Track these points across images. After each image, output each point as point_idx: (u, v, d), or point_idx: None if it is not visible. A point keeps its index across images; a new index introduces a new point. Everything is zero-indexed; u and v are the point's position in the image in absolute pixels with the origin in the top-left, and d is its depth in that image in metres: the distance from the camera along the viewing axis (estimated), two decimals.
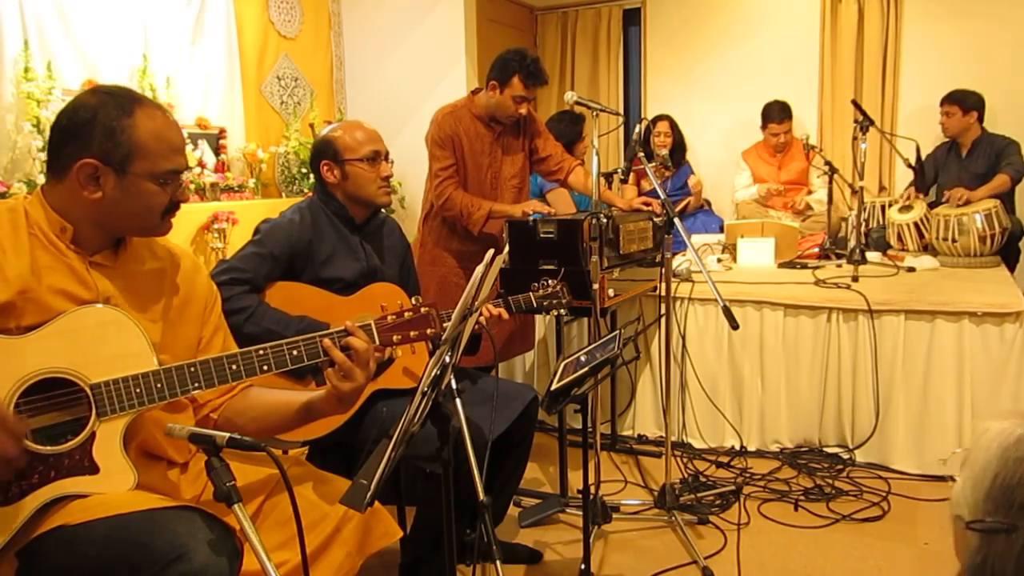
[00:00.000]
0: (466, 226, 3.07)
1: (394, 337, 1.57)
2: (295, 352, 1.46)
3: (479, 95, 3.15)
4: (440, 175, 3.05)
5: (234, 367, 1.42)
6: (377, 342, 1.54)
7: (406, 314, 1.58)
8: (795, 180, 4.81)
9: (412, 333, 1.58)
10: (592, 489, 2.46)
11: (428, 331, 1.59)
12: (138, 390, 1.34)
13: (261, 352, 1.44)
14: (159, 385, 1.36)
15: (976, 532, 0.83)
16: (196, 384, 1.39)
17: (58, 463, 1.30)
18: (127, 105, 1.37)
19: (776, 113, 4.82)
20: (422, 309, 1.59)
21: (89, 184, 1.36)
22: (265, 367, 1.44)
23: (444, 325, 1.55)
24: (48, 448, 1.29)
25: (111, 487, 1.32)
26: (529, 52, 3.04)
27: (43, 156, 2.98)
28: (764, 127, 4.90)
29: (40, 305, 1.31)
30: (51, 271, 1.35)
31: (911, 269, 3.71)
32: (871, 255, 3.93)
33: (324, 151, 2.20)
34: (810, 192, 4.82)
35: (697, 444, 3.42)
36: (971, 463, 0.86)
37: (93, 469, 1.32)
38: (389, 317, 1.57)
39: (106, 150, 1.35)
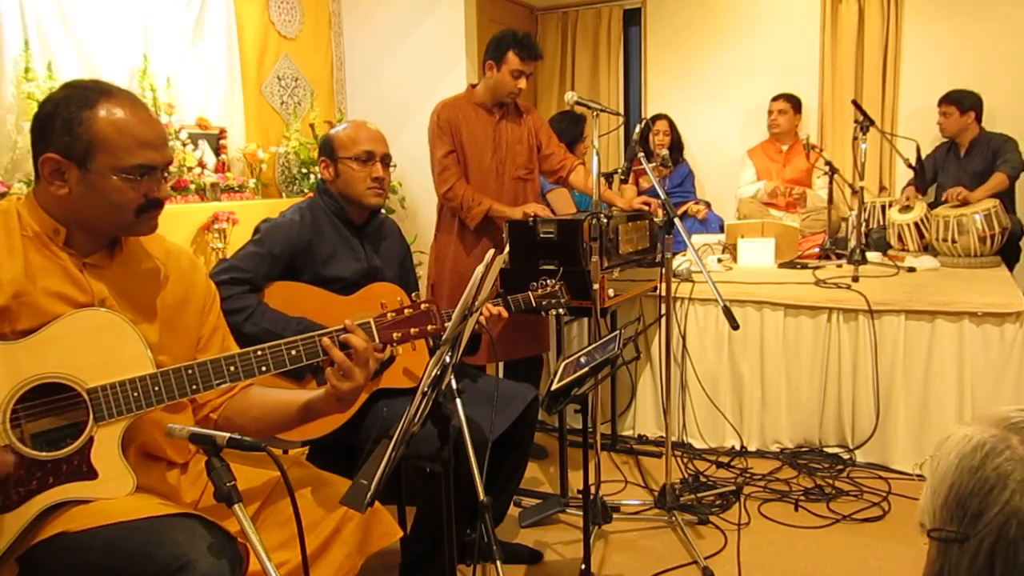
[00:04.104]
0: (463, 219, 3.10)
1: (394, 335, 1.54)
2: (294, 352, 1.45)
3: (478, 87, 3.20)
4: (442, 163, 3.09)
5: (232, 368, 1.41)
6: (377, 340, 1.52)
7: (406, 311, 1.55)
8: (798, 179, 4.80)
9: (412, 330, 1.56)
10: (592, 489, 2.47)
11: (428, 327, 1.57)
12: (135, 394, 1.33)
13: (260, 353, 1.43)
14: (156, 388, 1.35)
15: (934, 540, 0.83)
16: (194, 387, 1.38)
17: (56, 469, 1.29)
18: (91, 97, 1.33)
19: (783, 95, 4.87)
20: (422, 305, 1.57)
21: (55, 179, 1.33)
22: (264, 368, 1.43)
23: (445, 325, 1.54)
24: (46, 454, 1.28)
25: (110, 492, 1.32)
26: (519, 29, 3.11)
27: None
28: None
29: (35, 309, 1.30)
30: (45, 273, 1.33)
31: (911, 269, 3.71)
32: (871, 255, 3.93)
33: (324, 147, 2.22)
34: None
35: (697, 444, 3.42)
36: (933, 470, 0.85)
37: (92, 474, 1.31)
38: (389, 314, 1.54)
39: (66, 144, 1.32)
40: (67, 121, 1.31)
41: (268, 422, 1.57)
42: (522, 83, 3.09)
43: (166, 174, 1.42)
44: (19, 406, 1.27)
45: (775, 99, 4.88)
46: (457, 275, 3.13)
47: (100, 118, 1.32)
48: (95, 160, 1.32)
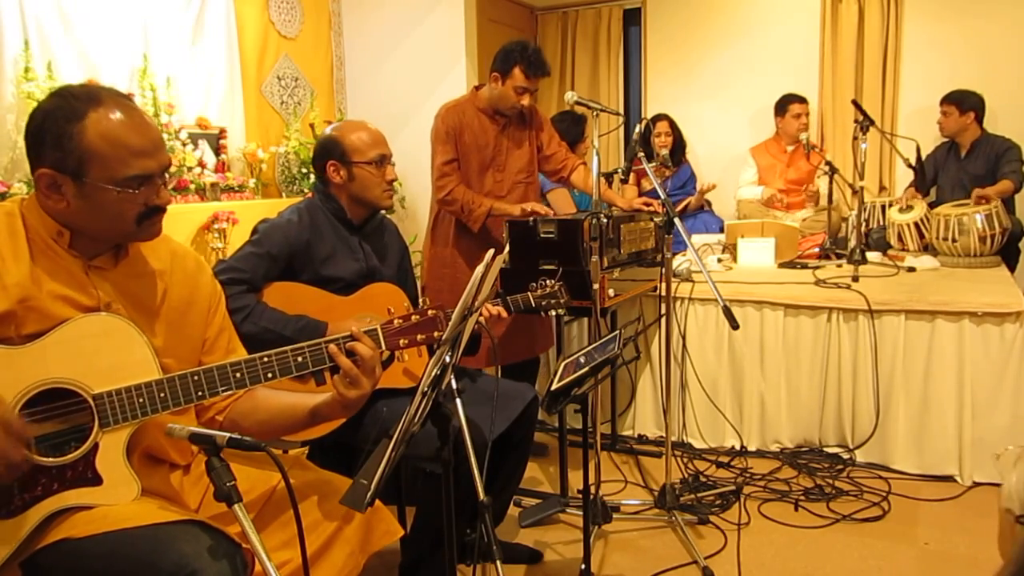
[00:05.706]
0: (466, 223, 3.08)
1: (400, 341, 1.54)
2: (300, 359, 1.44)
3: (482, 90, 3.17)
4: (442, 169, 3.07)
5: (239, 375, 1.40)
6: (383, 347, 1.52)
7: (413, 318, 1.55)
8: (800, 180, 4.79)
9: (419, 337, 1.56)
10: (592, 489, 2.46)
11: (435, 334, 1.57)
12: (141, 400, 1.33)
13: (266, 359, 1.42)
14: (162, 395, 1.34)
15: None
16: (200, 393, 1.37)
17: (61, 474, 1.29)
18: (80, 108, 1.29)
19: (796, 97, 4.79)
20: (429, 312, 1.57)
21: (52, 193, 1.31)
22: (270, 375, 1.43)
23: None
24: (51, 460, 1.28)
25: (114, 498, 1.31)
26: (530, 43, 3.08)
27: None
28: (784, 113, 4.80)
29: (41, 313, 1.29)
30: (51, 276, 1.32)
31: (911, 269, 3.71)
32: (871, 255, 3.93)
33: (331, 151, 2.18)
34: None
35: (697, 444, 3.42)
36: (1015, 462, 0.91)
37: (96, 480, 1.31)
38: (396, 321, 1.54)
39: (58, 158, 1.28)
40: (57, 136, 1.28)
41: (273, 426, 1.57)
42: (525, 99, 3.06)
43: (165, 177, 1.38)
44: (24, 411, 1.26)
45: (800, 102, 4.76)
46: (459, 285, 3.13)
47: (90, 130, 1.28)
48: (89, 174, 1.29)
